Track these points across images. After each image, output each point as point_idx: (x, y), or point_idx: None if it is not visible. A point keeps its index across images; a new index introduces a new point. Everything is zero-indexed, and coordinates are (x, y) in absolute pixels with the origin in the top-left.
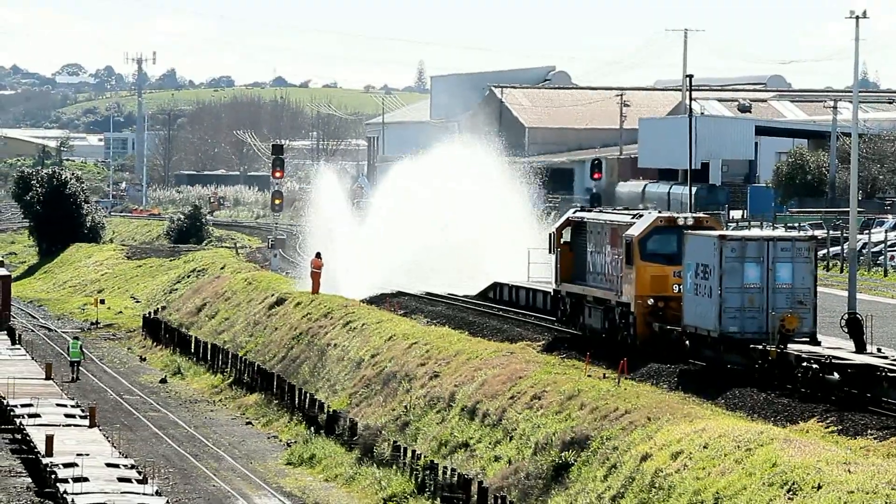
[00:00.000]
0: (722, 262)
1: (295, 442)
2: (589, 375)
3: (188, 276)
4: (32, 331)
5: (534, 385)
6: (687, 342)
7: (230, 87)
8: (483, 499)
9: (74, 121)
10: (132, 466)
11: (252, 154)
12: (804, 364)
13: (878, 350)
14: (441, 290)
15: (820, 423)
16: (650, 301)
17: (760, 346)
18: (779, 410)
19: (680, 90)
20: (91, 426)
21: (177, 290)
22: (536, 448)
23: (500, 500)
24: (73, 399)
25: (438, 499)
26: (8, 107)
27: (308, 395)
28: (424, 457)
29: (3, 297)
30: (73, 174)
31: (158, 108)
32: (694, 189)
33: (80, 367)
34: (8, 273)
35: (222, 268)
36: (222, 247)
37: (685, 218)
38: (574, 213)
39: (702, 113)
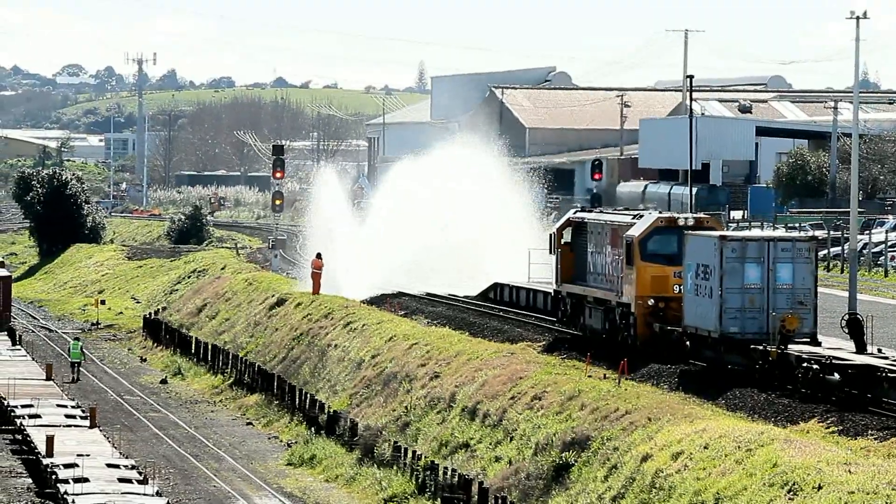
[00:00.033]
0: (722, 263)
1: (295, 442)
2: (589, 376)
3: (189, 277)
4: (33, 331)
5: (534, 385)
6: (687, 343)
7: (230, 88)
8: (483, 499)
9: (75, 121)
10: (133, 467)
11: (252, 154)
12: (805, 364)
13: (879, 350)
14: (441, 290)
15: (820, 424)
16: (651, 301)
17: (761, 347)
18: (779, 411)
19: (680, 90)
20: (91, 427)
21: (177, 290)
22: (537, 448)
23: (500, 501)
24: (73, 400)
25: (439, 499)
26: (9, 107)
27: (308, 395)
28: (425, 457)
29: (4, 297)
30: (73, 175)
31: (159, 109)
32: (694, 189)
33: (81, 368)
34: (8, 274)
35: (223, 268)
36: (223, 247)
37: (686, 218)
38: (574, 213)
39: (702, 113)
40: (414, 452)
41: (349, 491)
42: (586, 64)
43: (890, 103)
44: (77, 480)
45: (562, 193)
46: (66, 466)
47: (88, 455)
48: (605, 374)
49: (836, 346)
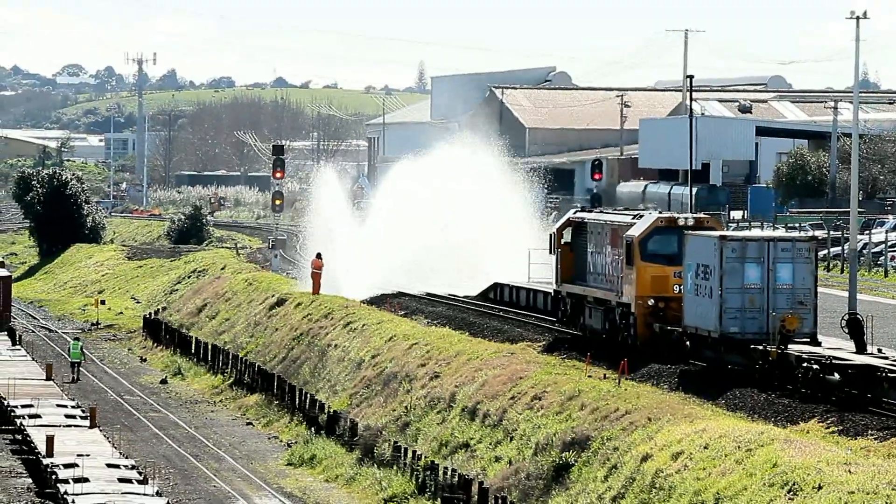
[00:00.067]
0: (722, 263)
1: (295, 442)
2: (589, 376)
3: (189, 277)
4: (33, 331)
5: (534, 385)
6: (687, 343)
7: (230, 88)
8: (484, 499)
9: (75, 121)
10: (133, 467)
11: (252, 155)
12: (805, 364)
13: (879, 350)
14: (441, 290)
15: (820, 424)
16: (651, 301)
17: (761, 347)
18: (779, 411)
19: (680, 90)
20: (91, 427)
21: (177, 290)
22: (537, 448)
23: (500, 501)
24: (73, 400)
25: (439, 499)
26: (9, 107)
27: (308, 395)
28: (425, 457)
29: (4, 297)
30: (73, 175)
31: (159, 109)
32: (694, 189)
33: (81, 368)
34: (8, 274)
35: (223, 268)
36: (223, 247)
37: (686, 218)
38: (574, 213)
39: (702, 113)
40: (414, 452)
41: (349, 491)
42: (586, 64)
43: (890, 103)
44: (77, 480)
45: (562, 193)
46: (66, 466)
47: (88, 455)
48: (605, 374)
49: (836, 346)
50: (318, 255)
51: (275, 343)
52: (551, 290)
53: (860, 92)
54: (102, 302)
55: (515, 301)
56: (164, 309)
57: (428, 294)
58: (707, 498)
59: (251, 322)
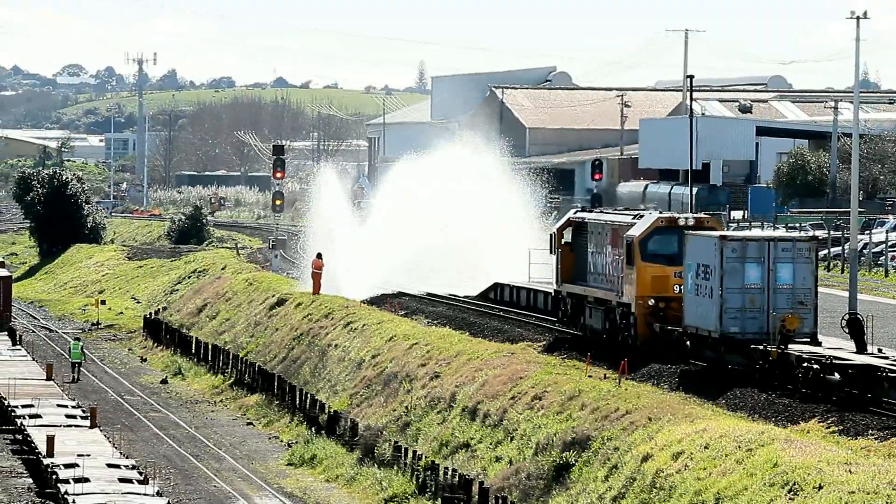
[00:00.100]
0: (723, 263)
1: (296, 442)
2: (590, 376)
3: (189, 277)
4: (33, 331)
5: (535, 385)
6: (688, 342)
7: (231, 88)
8: (484, 499)
9: (75, 121)
10: (133, 467)
11: (253, 155)
12: (805, 364)
13: (879, 350)
14: (441, 290)
15: (821, 424)
16: (651, 301)
17: (761, 347)
18: (780, 411)
19: (680, 90)
20: (92, 427)
21: (177, 290)
22: (537, 448)
23: (501, 501)
24: (73, 400)
25: (439, 499)
26: (9, 107)
27: (309, 395)
28: (425, 457)
29: (4, 297)
30: (73, 175)
31: (159, 109)
32: (695, 189)
33: (81, 368)
34: (9, 274)
35: (223, 268)
36: (223, 247)
37: (686, 218)
38: (575, 213)
39: (702, 113)
40: (414, 452)
41: (349, 491)
42: (586, 64)
43: (890, 103)
44: (77, 480)
45: (562, 193)
46: (67, 466)
47: (89, 455)
48: (605, 374)
49: (836, 345)
50: (319, 256)
51: (275, 343)
52: (551, 290)
53: (860, 92)
54: (103, 302)
55: (516, 301)
56: (164, 309)
57: (428, 294)
58: (707, 498)
59: (251, 322)
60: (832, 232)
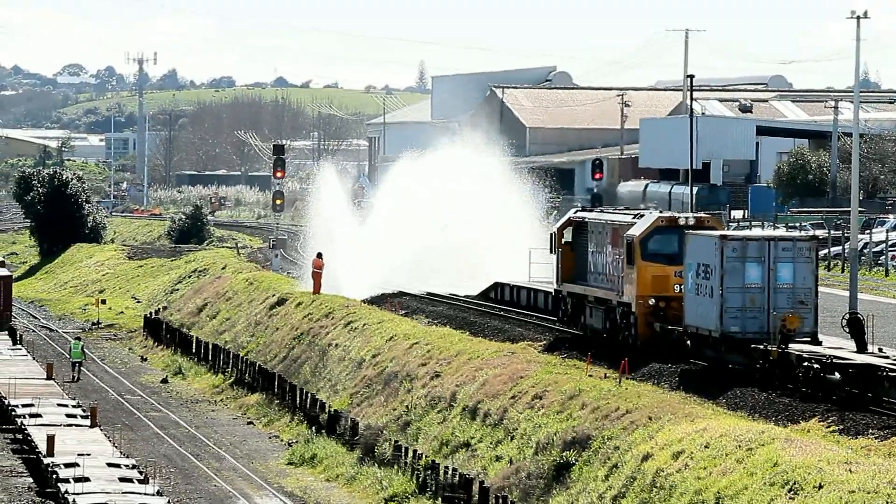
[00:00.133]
0: (723, 262)
1: (296, 442)
2: (590, 375)
3: (189, 277)
4: (33, 331)
5: (535, 385)
6: (688, 342)
7: (231, 88)
8: (484, 499)
9: (75, 121)
10: (133, 466)
11: (253, 154)
12: (805, 364)
13: (880, 350)
14: (442, 290)
15: (821, 423)
16: (651, 301)
17: (762, 346)
18: (780, 410)
19: (681, 90)
20: (92, 426)
21: (178, 290)
22: (538, 448)
23: (501, 500)
24: (74, 399)
25: (440, 499)
26: (9, 107)
27: (309, 395)
28: (426, 457)
29: (5, 297)
30: (74, 174)
31: (159, 109)
32: (695, 189)
33: (82, 367)
34: (9, 273)
35: (223, 268)
36: (223, 247)
37: (686, 218)
38: (575, 213)
39: (703, 113)
40: (415, 452)
41: (350, 490)
42: (586, 64)
43: (890, 103)
44: (78, 480)
45: (562, 193)
46: (67, 466)
47: (89, 454)
48: (605, 374)
49: (836, 345)
50: (319, 255)
51: (275, 342)
52: (552, 290)
53: (861, 91)
54: (103, 301)
55: (516, 301)
56: (164, 308)
57: (428, 293)
58: (708, 497)
59: (252, 321)
60: (832, 231)
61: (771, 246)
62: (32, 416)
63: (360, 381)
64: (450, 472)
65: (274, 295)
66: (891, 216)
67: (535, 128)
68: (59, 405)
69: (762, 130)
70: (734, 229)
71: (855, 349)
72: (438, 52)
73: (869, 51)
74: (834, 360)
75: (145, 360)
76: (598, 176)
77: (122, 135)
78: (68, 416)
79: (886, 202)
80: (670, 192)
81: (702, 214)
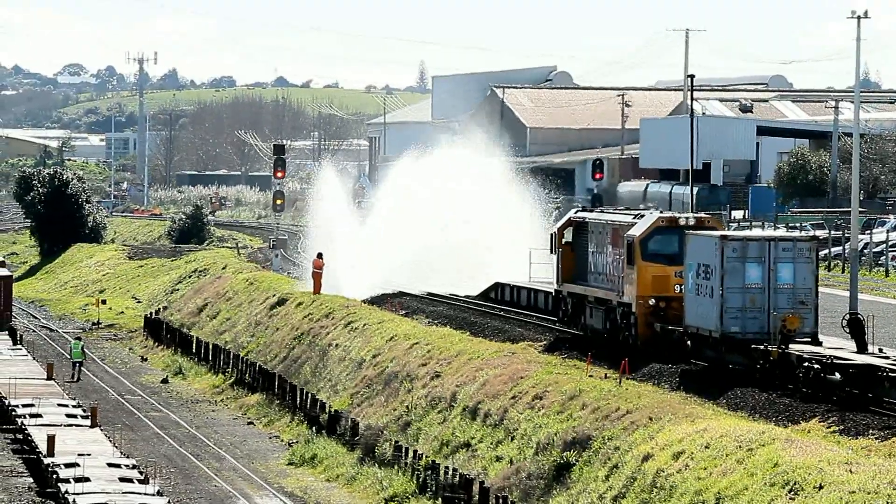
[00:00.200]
0: (723, 263)
1: (296, 442)
2: (590, 375)
3: (189, 277)
4: (34, 331)
5: (535, 385)
6: (688, 342)
7: (231, 88)
8: (485, 499)
9: (76, 121)
10: (134, 466)
11: (253, 154)
12: (806, 364)
13: (880, 350)
14: (442, 290)
15: (821, 423)
16: (651, 301)
17: (762, 347)
18: (780, 410)
19: (681, 90)
20: (92, 426)
21: (178, 290)
22: (538, 448)
23: (501, 501)
24: (74, 399)
25: (440, 499)
26: (9, 107)
27: (309, 395)
28: (426, 457)
29: (5, 297)
30: (74, 174)
31: (160, 109)
32: (695, 189)
33: (82, 368)
34: (9, 273)
35: (224, 268)
36: (224, 247)
37: (686, 218)
38: (575, 213)
39: (703, 113)
40: (415, 452)
41: (350, 490)
42: (586, 64)
43: (891, 103)
44: (78, 480)
45: (563, 193)
46: (67, 466)
47: (89, 454)
48: (606, 374)
49: (837, 345)
50: (319, 255)
51: (276, 343)
52: (552, 290)
53: (861, 91)
54: (103, 301)
55: (516, 301)
56: (164, 308)
57: (429, 294)
58: (708, 498)
59: (252, 322)
60: (833, 232)
61: (771, 246)
62: (33, 416)
63: (361, 381)
64: (450, 472)
65: (274, 295)
66: (891, 216)
67: (536, 128)
68: (59, 405)
69: (762, 130)
70: (734, 229)
71: (855, 349)
72: (438, 52)
73: (869, 51)
74: (834, 361)
75: (145, 360)
76: (598, 176)
77: (122, 135)
78: (68, 416)
79: (887, 202)
80: (671, 193)
81: (702, 215)
